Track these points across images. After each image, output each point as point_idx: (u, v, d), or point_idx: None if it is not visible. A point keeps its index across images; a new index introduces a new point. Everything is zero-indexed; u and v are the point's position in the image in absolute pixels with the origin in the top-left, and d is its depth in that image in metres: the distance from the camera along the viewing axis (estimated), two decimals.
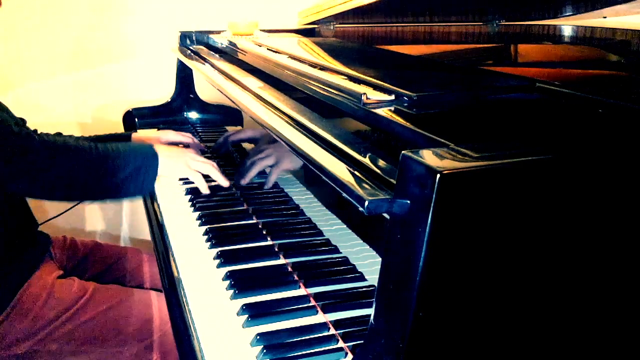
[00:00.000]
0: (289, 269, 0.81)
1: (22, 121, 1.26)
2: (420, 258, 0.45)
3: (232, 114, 1.51)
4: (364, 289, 0.75)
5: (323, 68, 0.85)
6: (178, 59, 1.51)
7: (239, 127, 1.41)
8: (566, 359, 0.57)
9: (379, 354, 0.51)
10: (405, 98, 0.65)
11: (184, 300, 0.74)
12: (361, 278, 0.77)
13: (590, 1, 1.34)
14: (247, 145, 1.34)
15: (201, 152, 1.30)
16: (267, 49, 1.10)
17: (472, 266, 0.48)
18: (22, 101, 1.74)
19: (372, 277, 0.77)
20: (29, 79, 1.76)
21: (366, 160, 0.58)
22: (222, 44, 1.35)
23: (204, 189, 1.04)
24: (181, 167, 1.04)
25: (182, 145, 1.25)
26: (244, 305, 0.71)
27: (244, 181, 1.06)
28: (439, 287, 0.47)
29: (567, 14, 1.42)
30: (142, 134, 1.31)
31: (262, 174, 1.09)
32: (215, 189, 1.08)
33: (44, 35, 1.73)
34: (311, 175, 1.05)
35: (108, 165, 0.97)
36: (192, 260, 0.84)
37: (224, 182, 1.05)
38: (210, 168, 1.04)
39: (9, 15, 1.64)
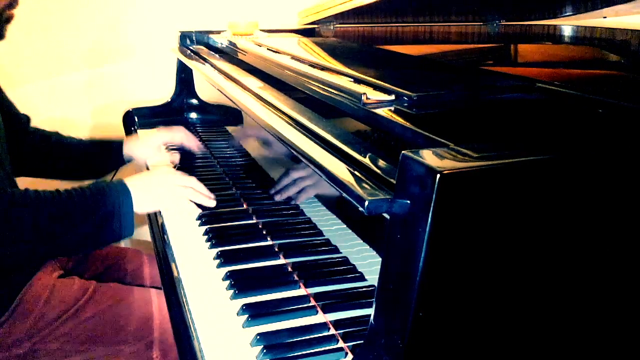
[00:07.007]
0: (289, 269, 0.81)
1: (27, 118, 1.27)
2: (421, 258, 0.45)
3: (232, 114, 1.50)
4: (364, 289, 0.75)
5: (323, 68, 0.85)
6: (178, 59, 1.51)
7: (239, 127, 1.41)
8: (566, 358, 0.57)
9: (379, 354, 0.51)
10: (405, 98, 0.65)
11: (184, 300, 0.74)
12: (361, 278, 0.77)
13: (590, 1, 1.34)
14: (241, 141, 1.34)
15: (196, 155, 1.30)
16: (267, 49, 1.10)
17: (472, 266, 0.48)
18: (23, 101, 1.73)
19: (372, 277, 0.77)
20: (29, 79, 1.76)
21: (366, 160, 0.57)
22: (222, 44, 1.35)
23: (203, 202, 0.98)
24: (162, 199, 0.95)
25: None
26: (244, 305, 0.71)
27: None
28: (439, 287, 0.47)
29: (567, 14, 1.42)
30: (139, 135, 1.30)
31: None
32: (215, 190, 1.08)
33: (45, 35, 1.73)
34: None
35: (75, 213, 0.86)
36: (192, 260, 0.84)
37: (211, 203, 0.98)
38: (193, 193, 0.97)
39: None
